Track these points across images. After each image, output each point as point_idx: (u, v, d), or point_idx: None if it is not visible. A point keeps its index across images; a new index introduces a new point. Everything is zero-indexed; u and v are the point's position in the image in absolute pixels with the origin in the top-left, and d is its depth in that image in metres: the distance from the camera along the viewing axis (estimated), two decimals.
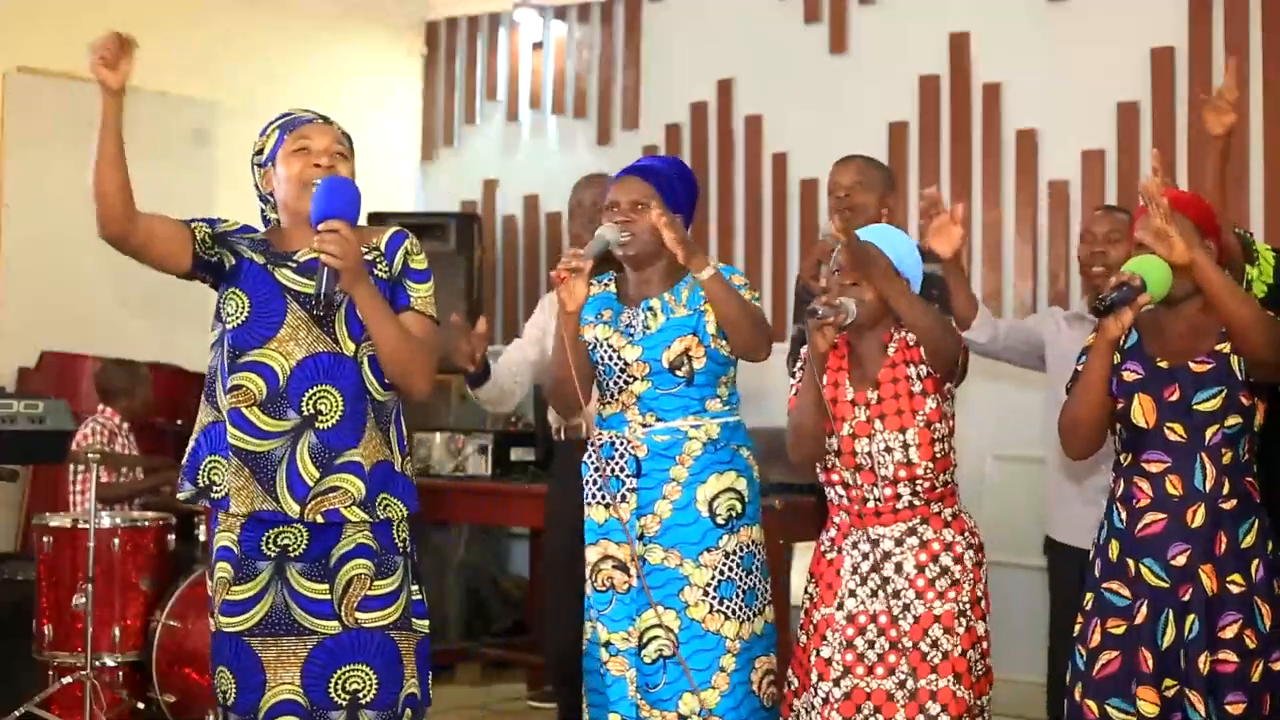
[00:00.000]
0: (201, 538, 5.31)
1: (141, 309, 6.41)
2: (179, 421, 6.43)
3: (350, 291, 2.97)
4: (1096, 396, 3.11)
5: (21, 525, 6.11)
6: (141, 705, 5.06)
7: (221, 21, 6.93)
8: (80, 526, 5.01)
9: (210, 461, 3.05)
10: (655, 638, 3.42)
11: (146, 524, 5.20)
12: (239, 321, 3.03)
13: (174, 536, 5.27)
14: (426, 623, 3.14)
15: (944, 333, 3.32)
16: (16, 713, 4.83)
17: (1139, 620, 3.06)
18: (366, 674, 3.02)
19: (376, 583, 3.04)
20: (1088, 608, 3.16)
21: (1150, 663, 3.03)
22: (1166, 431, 3.07)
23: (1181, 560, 3.03)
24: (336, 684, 3.02)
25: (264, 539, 3.03)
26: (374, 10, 7.71)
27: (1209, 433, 3.03)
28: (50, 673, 5.05)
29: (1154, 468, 3.08)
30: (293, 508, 2.99)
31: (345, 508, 3.00)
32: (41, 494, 6.06)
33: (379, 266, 3.08)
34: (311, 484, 2.99)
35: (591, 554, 3.54)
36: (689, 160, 6.88)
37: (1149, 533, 3.07)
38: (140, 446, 5.93)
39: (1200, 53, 5.68)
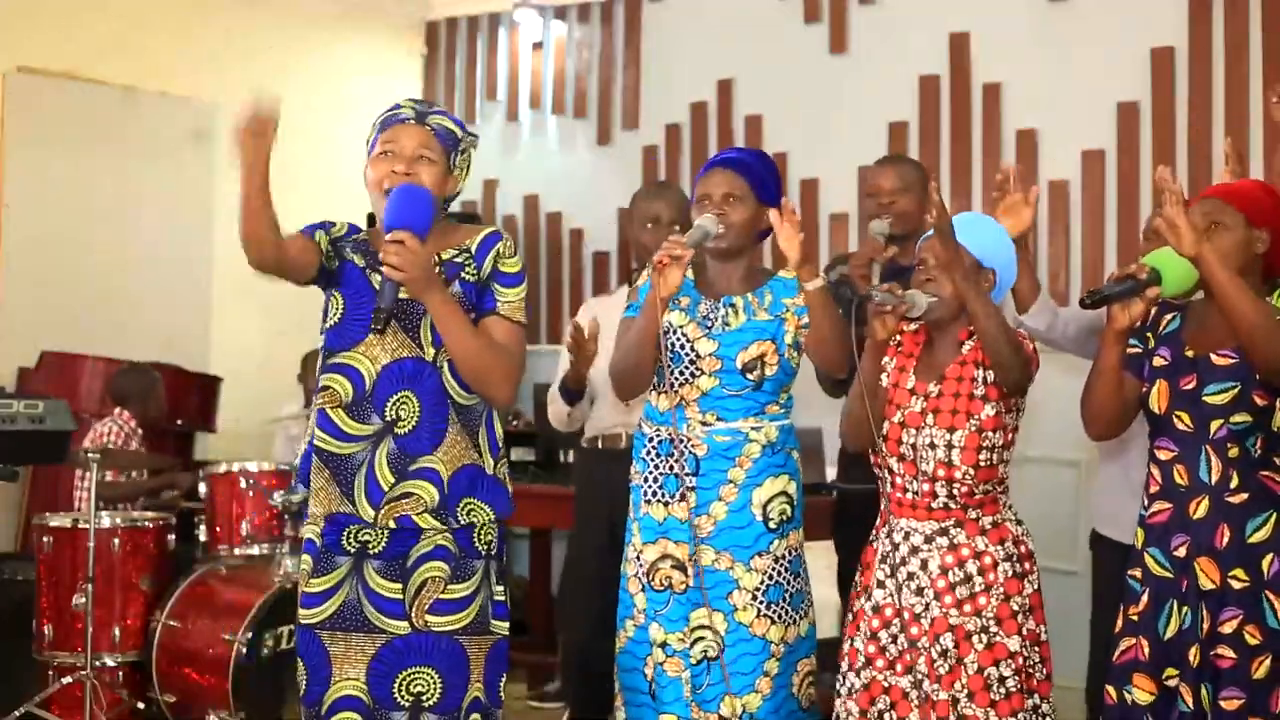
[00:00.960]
0: (202, 538, 5.32)
1: (141, 309, 6.41)
2: (179, 421, 6.45)
3: (420, 300, 2.93)
4: (1108, 383, 3.08)
5: (21, 525, 6.11)
6: (141, 705, 5.05)
7: (221, 21, 6.93)
8: (80, 526, 5.01)
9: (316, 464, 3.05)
10: (702, 638, 3.40)
11: (147, 524, 5.19)
12: (334, 323, 3.02)
13: (174, 536, 5.27)
14: (506, 625, 3.08)
15: (1011, 351, 3.19)
16: (16, 713, 4.83)
17: (1140, 608, 3.06)
18: (431, 677, 2.99)
19: (451, 587, 2.99)
20: (1124, 595, 3.14)
21: (1147, 651, 3.02)
22: (1175, 420, 3.04)
23: (1182, 552, 3.01)
24: (401, 684, 2.99)
25: (345, 534, 3.01)
26: (374, 10, 7.71)
27: (1214, 425, 3.00)
28: (50, 673, 5.04)
29: (1164, 455, 3.07)
30: (368, 512, 2.97)
31: (417, 514, 2.97)
32: (41, 494, 6.06)
33: (467, 269, 3.02)
34: (386, 489, 2.97)
35: (650, 553, 3.47)
36: (689, 161, 6.89)
37: (1156, 521, 3.06)
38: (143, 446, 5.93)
39: (1200, 53, 5.69)
